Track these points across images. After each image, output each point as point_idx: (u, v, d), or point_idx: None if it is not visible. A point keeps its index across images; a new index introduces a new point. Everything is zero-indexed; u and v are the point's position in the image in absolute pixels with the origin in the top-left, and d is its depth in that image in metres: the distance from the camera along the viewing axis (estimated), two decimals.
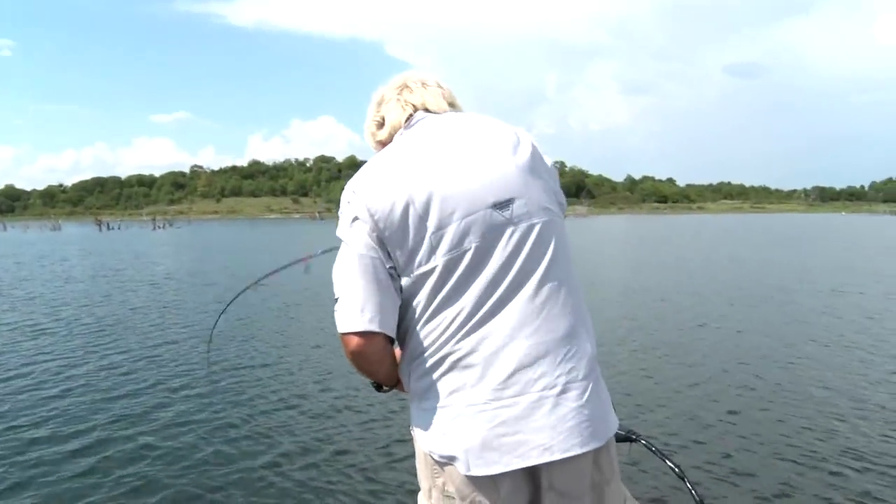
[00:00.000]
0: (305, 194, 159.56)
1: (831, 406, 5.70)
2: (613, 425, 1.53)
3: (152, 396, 6.11)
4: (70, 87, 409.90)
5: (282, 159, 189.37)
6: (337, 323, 1.47)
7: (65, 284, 16.04)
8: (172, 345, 8.50)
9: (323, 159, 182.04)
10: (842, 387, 6.31)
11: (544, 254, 1.47)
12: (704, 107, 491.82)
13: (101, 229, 67.69)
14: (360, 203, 1.46)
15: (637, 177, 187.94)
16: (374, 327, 1.44)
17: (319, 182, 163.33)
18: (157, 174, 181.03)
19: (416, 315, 1.46)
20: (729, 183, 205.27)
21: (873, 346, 8.15)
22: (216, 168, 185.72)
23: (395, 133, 1.63)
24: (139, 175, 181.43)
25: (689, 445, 4.84)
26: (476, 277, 1.42)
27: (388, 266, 1.45)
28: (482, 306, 1.42)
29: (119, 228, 71.63)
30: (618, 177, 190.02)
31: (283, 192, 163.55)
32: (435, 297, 1.43)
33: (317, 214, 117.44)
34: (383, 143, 1.66)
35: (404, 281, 1.46)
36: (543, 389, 1.41)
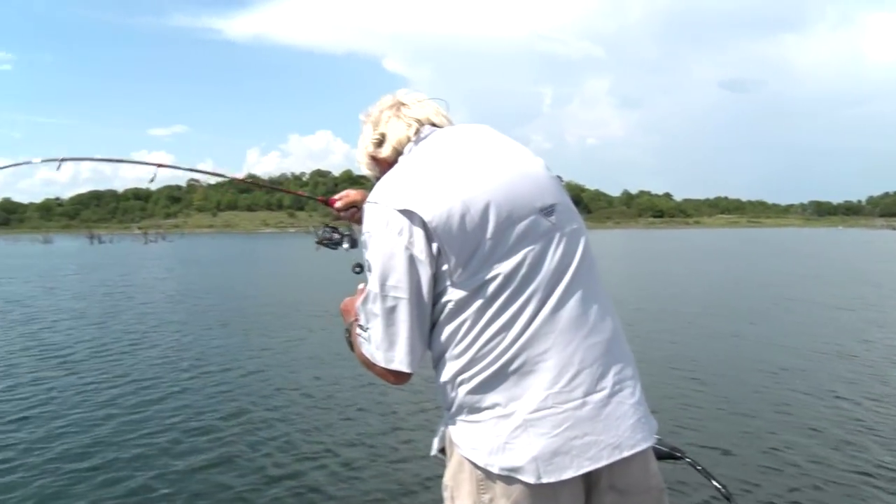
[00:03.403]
0: (301, 208, 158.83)
1: (860, 419, 5.57)
2: (655, 422, 1.52)
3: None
4: (68, 100, 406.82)
5: (278, 173, 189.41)
6: (366, 353, 1.48)
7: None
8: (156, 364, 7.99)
9: (319, 173, 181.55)
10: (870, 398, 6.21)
11: (586, 257, 1.48)
12: (700, 121, 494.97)
13: (92, 242, 67.17)
14: (407, 219, 1.38)
15: (633, 191, 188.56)
16: (406, 369, 1.45)
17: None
18: (153, 188, 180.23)
19: (468, 327, 1.40)
20: (726, 198, 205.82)
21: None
22: (213, 182, 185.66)
23: (402, 148, 1.59)
24: (135, 189, 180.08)
25: (731, 463, 4.56)
26: (531, 283, 1.40)
27: (432, 289, 1.40)
28: (539, 311, 1.39)
29: (111, 242, 70.83)
30: (614, 191, 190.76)
31: (280, 207, 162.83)
32: (490, 306, 1.38)
33: (311, 229, 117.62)
34: (386, 161, 1.62)
35: (454, 293, 1.39)
36: (604, 389, 1.41)
